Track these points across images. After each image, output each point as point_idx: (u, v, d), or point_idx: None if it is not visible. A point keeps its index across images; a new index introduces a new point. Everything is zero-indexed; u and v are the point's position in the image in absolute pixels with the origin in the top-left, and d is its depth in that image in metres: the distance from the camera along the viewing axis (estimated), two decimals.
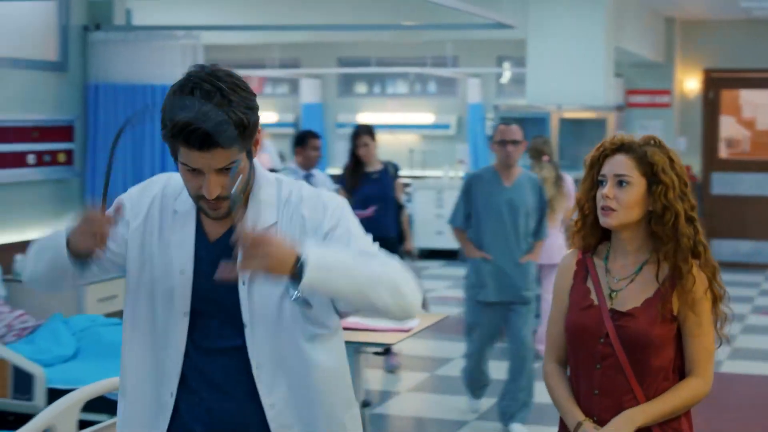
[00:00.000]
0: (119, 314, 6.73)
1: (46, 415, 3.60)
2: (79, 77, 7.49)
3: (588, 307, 3.05)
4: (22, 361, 5.36)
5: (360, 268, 2.49)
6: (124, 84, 7.42)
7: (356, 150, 8.00)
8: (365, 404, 5.72)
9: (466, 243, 6.67)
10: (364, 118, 16.05)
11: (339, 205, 2.68)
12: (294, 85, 16.91)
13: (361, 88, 16.88)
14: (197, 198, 2.57)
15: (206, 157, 2.49)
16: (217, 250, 2.61)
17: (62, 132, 7.32)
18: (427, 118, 15.97)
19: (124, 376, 2.71)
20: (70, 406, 3.70)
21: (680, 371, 3.06)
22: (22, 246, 6.58)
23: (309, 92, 16.41)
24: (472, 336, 6.79)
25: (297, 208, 2.66)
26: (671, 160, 3.00)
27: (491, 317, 6.64)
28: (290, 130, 15.59)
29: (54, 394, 5.16)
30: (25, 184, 7.01)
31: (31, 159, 6.97)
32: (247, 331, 2.61)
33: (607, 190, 2.99)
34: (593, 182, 3.06)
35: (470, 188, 6.62)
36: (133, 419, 2.68)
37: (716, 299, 3.03)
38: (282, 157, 14.88)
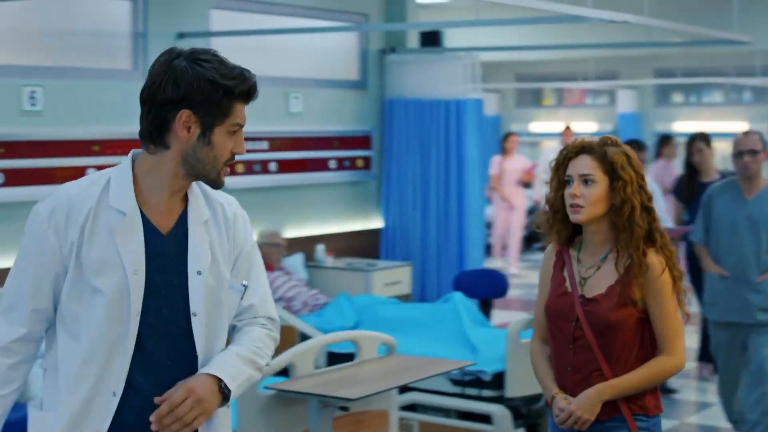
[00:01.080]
0: (402, 297, 7.81)
1: (289, 355, 4.48)
2: (376, 94, 8.67)
3: (563, 294, 3.38)
4: (306, 328, 6.52)
5: (251, 368, 2.71)
6: (414, 99, 8.52)
7: (690, 158, 7.75)
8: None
9: (704, 258, 6.21)
10: (680, 127, 16.47)
11: (247, 219, 2.82)
12: (612, 96, 17.50)
13: (677, 97, 17.22)
14: (224, 164, 2.61)
15: (245, 111, 2.63)
16: (172, 241, 2.64)
17: (361, 141, 8.51)
18: (741, 126, 16.08)
19: (59, 376, 2.61)
20: (310, 348, 4.58)
21: (652, 352, 3.33)
22: (322, 238, 7.87)
23: (626, 102, 16.98)
24: (718, 361, 6.36)
25: (213, 198, 2.74)
26: (628, 158, 3.30)
27: (729, 340, 6.14)
28: None
29: (332, 358, 6.22)
30: (326, 185, 8.24)
31: (332, 164, 8.19)
32: (195, 320, 2.64)
33: (574, 189, 3.30)
34: (560, 182, 3.37)
35: (711, 202, 6.14)
36: (73, 416, 2.59)
37: (675, 280, 3.31)
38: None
